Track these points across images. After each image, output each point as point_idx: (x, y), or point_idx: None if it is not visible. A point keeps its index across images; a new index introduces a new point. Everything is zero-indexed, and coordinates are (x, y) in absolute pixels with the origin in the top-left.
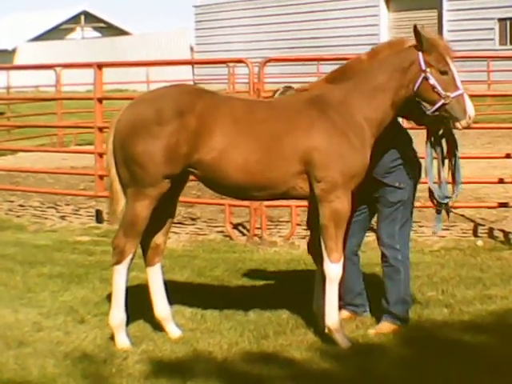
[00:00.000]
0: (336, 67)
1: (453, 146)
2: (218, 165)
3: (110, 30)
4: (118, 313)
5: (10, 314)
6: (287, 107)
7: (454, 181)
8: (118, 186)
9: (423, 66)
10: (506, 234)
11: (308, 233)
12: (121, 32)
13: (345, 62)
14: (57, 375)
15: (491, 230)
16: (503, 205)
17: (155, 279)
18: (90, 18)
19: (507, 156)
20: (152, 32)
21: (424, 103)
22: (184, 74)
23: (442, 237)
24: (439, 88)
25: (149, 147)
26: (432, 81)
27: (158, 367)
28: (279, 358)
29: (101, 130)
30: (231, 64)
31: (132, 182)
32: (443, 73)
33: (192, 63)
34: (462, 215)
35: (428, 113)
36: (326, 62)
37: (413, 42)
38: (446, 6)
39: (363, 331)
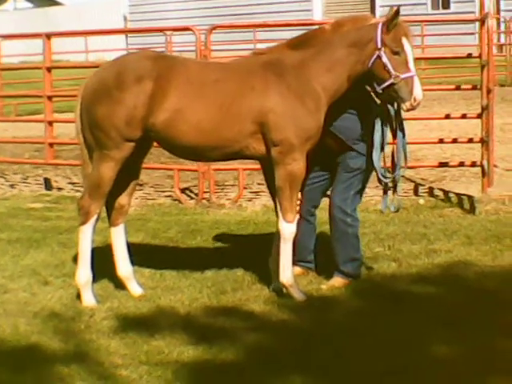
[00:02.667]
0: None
1: (401, 128)
2: (173, 125)
3: (42, 0)
4: (84, 271)
5: None
6: (243, 69)
7: (394, 163)
8: (85, 150)
9: (379, 45)
10: (445, 192)
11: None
12: (53, 3)
13: (292, 27)
14: (29, 332)
15: (431, 189)
16: (443, 164)
17: (118, 239)
18: None
19: (446, 117)
20: (85, 2)
21: (375, 81)
22: (118, 44)
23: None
24: (390, 67)
25: (110, 112)
26: (384, 59)
27: (124, 323)
28: (239, 311)
29: (50, 98)
30: (168, 32)
31: (96, 145)
32: (396, 53)
33: (139, 31)
34: (403, 176)
35: (377, 90)
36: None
37: (375, 19)
38: None
39: (316, 286)
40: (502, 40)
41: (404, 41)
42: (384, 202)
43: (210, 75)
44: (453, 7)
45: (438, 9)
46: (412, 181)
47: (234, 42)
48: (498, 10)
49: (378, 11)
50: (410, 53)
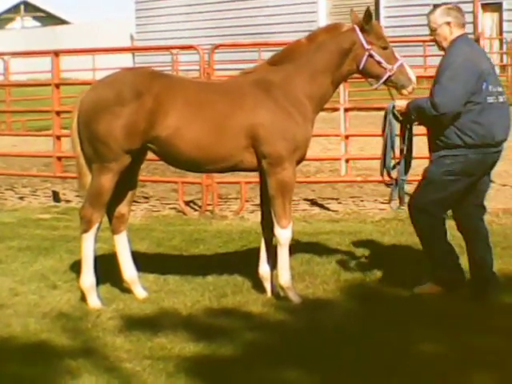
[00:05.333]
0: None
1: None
2: (173, 141)
3: (49, 19)
4: (87, 276)
5: None
6: (234, 88)
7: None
8: (83, 162)
9: (366, 45)
10: None
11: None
12: (61, 21)
13: None
14: (39, 331)
15: None
16: None
17: (122, 245)
18: (29, 7)
19: None
20: (92, 21)
21: (370, 78)
22: (125, 62)
23: (382, 209)
24: (384, 62)
25: (110, 125)
26: (377, 57)
27: (129, 322)
28: (238, 312)
29: (58, 114)
30: (174, 51)
31: (96, 157)
32: (384, 48)
33: (146, 49)
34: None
35: (374, 87)
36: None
37: (348, 26)
38: None
39: (312, 290)
40: (505, 61)
41: (385, 35)
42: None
43: (206, 94)
44: None
45: None
46: (409, 194)
47: (238, 61)
48: (501, 31)
49: (383, 11)
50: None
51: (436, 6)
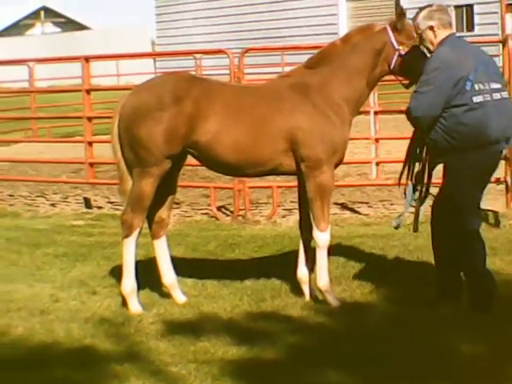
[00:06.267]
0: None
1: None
2: (213, 145)
3: (70, 24)
4: (129, 281)
5: (26, 289)
6: (272, 91)
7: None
8: (124, 167)
9: (396, 45)
10: None
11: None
12: (81, 27)
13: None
14: (82, 336)
15: None
16: None
17: (162, 250)
18: (49, 13)
19: None
20: (113, 27)
21: (402, 80)
22: (147, 67)
23: (412, 213)
24: None
25: (151, 130)
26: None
27: (171, 327)
28: (278, 316)
29: (89, 120)
30: (198, 56)
31: (137, 162)
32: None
33: (173, 54)
34: (430, 193)
35: (407, 87)
36: (302, 51)
37: (380, 26)
38: None
39: (350, 293)
40: None
41: (416, 35)
42: (398, 219)
43: (245, 99)
44: (477, 29)
45: (463, 31)
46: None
47: (263, 65)
48: None
49: (403, 3)
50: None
51: (421, 9)
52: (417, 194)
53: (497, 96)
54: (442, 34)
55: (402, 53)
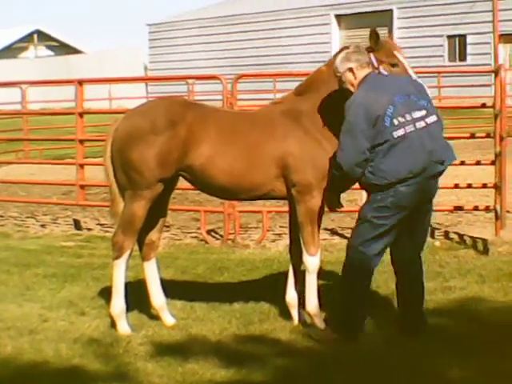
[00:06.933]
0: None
1: None
2: (206, 170)
3: (63, 48)
4: (118, 302)
5: (15, 309)
6: (265, 117)
7: None
8: (116, 189)
9: (375, 64)
10: (460, 235)
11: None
12: (74, 50)
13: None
14: (71, 356)
15: (447, 232)
16: (458, 208)
17: (151, 272)
18: (42, 36)
19: (461, 163)
20: (106, 50)
21: None
22: (139, 92)
23: None
24: None
25: (144, 154)
26: (386, 74)
27: (160, 348)
28: (266, 339)
29: (81, 142)
30: (190, 81)
31: (129, 185)
32: (394, 65)
33: (167, 79)
34: None
35: None
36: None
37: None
38: (396, 23)
39: None
40: None
41: (396, 53)
42: None
43: (238, 124)
44: (469, 59)
45: (455, 60)
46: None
47: (255, 91)
48: None
49: (396, 33)
50: (405, 62)
51: (341, 49)
52: None
53: (421, 124)
54: (362, 74)
55: (381, 71)
